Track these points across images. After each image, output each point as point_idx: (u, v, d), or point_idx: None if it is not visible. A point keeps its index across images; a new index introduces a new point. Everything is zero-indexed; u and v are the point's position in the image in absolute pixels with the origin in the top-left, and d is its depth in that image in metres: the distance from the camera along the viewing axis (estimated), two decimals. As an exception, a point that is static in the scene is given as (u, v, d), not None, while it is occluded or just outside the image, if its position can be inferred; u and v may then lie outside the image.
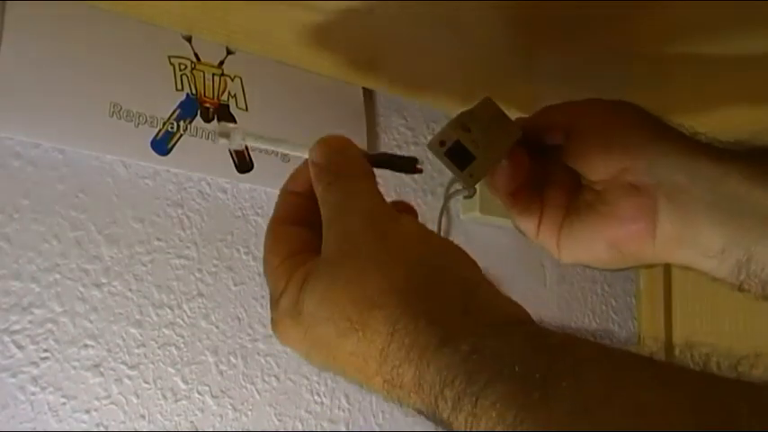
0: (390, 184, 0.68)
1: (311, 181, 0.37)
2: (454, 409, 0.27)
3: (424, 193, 0.71)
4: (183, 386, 0.55)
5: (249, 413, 0.58)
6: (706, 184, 0.41)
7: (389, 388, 0.30)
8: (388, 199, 0.70)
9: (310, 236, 0.37)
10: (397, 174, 0.69)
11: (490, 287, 0.32)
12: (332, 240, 0.34)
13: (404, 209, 0.40)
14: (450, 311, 0.30)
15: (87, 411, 0.51)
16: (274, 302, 0.35)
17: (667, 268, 0.84)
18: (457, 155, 0.40)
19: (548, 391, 0.25)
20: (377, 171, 0.69)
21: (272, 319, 0.35)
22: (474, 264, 0.34)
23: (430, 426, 0.62)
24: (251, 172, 0.58)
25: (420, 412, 0.30)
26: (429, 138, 0.71)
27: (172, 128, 0.54)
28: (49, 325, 0.50)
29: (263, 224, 0.60)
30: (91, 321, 0.52)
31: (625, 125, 0.44)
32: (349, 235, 0.33)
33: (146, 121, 0.53)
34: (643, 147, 0.43)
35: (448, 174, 0.71)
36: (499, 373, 0.26)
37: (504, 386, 0.25)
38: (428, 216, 0.70)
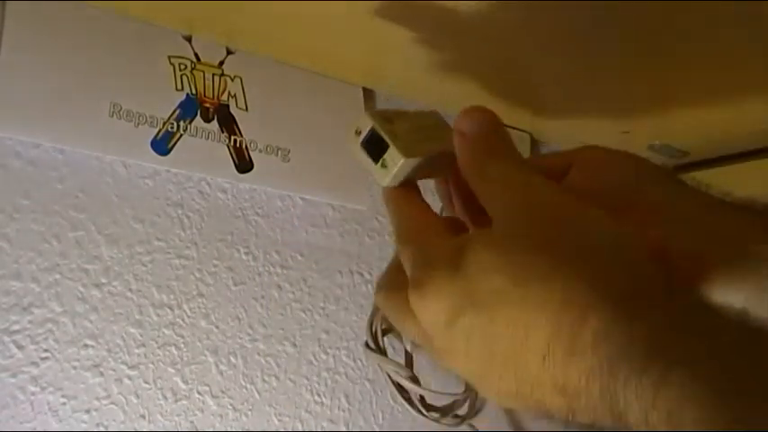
0: (390, 184, 0.68)
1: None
2: None
3: (424, 192, 0.71)
4: (183, 386, 0.55)
5: (249, 413, 0.58)
6: (724, 249, 0.38)
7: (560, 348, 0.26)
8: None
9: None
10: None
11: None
12: (509, 211, 0.30)
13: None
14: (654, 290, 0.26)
15: (87, 411, 0.51)
16: (423, 262, 0.30)
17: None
18: (374, 146, 0.35)
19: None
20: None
21: (414, 279, 0.30)
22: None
23: (430, 426, 0.62)
24: (251, 172, 0.58)
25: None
26: (429, 138, 0.71)
27: (172, 128, 0.54)
28: (49, 325, 0.50)
29: (264, 224, 0.60)
30: (91, 321, 0.52)
31: (637, 178, 0.40)
32: (533, 207, 0.29)
33: (146, 121, 0.53)
34: (663, 211, 0.38)
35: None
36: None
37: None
38: (428, 216, 0.70)
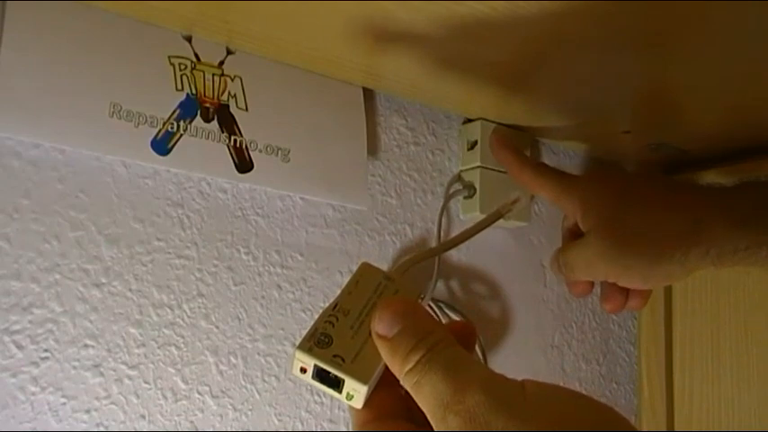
0: (390, 184, 0.68)
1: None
2: None
3: (424, 192, 0.71)
4: (183, 386, 0.55)
5: (249, 413, 0.58)
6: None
7: None
8: (390, 200, 0.69)
9: (414, 429, 0.32)
10: (397, 173, 0.69)
11: None
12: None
13: (459, 329, 0.36)
14: None
15: (87, 411, 0.51)
16: None
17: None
18: (327, 377, 0.34)
19: None
20: (376, 170, 0.69)
21: None
22: (622, 417, 0.28)
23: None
24: (251, 172, 0.58)
25: None
26: (429, 138, 0.72)
27: (172, 128, 0.54)
28: (49, 325, 0.50)
29: (264, 224, 0.60)
30: (91, 321, 0.52)
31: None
32: (471, 422, 0.27)
33: (146, 121, 0.53)
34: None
35: (448, 173, 0.72)
36: None
37: None
38: (428, 216, 0.71)
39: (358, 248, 0.66)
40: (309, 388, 0.61)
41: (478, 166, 0.70)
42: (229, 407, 0.57)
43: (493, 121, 0.71)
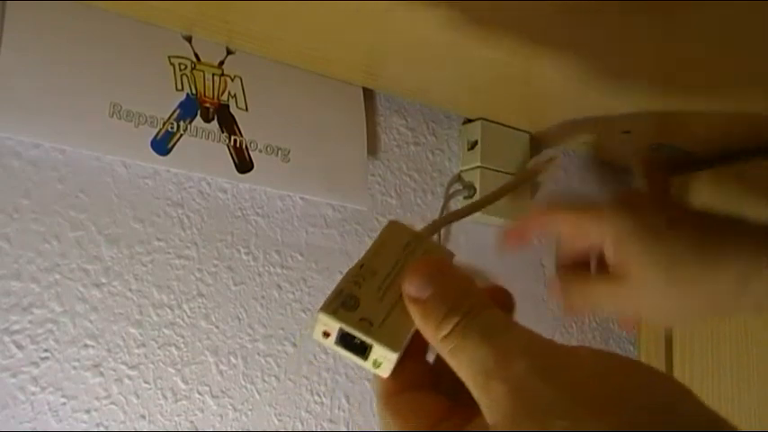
0: (390, 184, 0.68)
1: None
2: None
3: (424, 192, 0.71)
4: (182, 386, 0.55)
5: (249, 413, 0.58)
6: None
7: None
8: (390, 200, 0.69)
9: (444, 401, 0.30)
10: (397, 173, 0.69)
11: (718, 417, 0.24)
12: (495, 402, 0.25)
13: (495, 292, 0.33)
14: None
15: (87, 411, 0.51)
16: None
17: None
18: (352, 342, 0.31)
19: None
20: (376, 170, 0.69)
21: None
22: (690, 392, 0.25)
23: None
24: (251, 172, 0.58)
25: None
26: (429, 138, 0.72)
27: (172, 128, 0.54)
28: (49, 325, 0.50)
29: (264, 224, 0.60)
30: (91, 321, 0.52)
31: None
32: (518, 389, 0.25)
33: (146, 121, 0.53)
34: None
35: (448, 173, 0.72)
36: None
37: None
38: (428, 216, 0.71)
39: (358, 248, 0.66)
40: (309, 388, 0.61)
41: (478, 167, 0.70)
42: (229, 407, 0.57)
43: (493, 121, 0.71)
